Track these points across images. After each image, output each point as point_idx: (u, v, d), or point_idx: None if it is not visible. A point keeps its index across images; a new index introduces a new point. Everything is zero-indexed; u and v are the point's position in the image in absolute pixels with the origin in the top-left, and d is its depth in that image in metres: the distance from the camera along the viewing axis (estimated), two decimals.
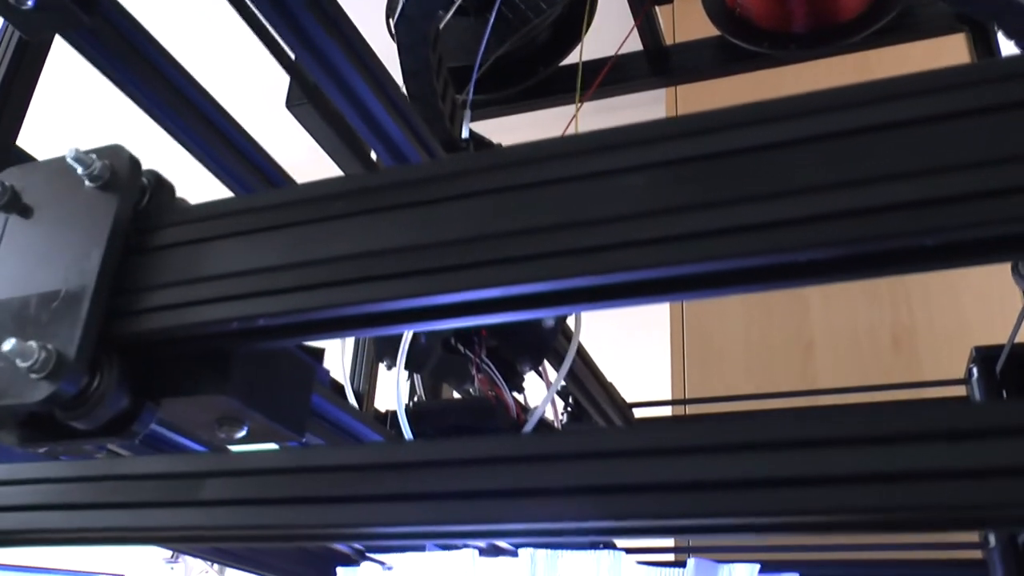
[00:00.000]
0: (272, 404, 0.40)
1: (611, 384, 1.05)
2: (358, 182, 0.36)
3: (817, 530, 0.27)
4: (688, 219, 0.30)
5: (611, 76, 1.21)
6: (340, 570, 0.66)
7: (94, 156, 0.40)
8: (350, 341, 0.63)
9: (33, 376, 0.35)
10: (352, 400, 0.63)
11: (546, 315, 0.33)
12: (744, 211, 0.29)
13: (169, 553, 2.42)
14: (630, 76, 1.25)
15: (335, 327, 0.34)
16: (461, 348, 0.63)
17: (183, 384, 0.38)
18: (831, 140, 0.30)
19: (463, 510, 0.28)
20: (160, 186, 0.42)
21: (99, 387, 0.36)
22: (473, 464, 0.28)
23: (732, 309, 1.26)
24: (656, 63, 1.24)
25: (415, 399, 0.68)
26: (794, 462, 0.25)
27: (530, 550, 0.56)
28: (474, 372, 0.63)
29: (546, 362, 0.67)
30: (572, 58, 1.20)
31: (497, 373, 0.63)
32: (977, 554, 0.86)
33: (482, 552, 0.59)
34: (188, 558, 2.38)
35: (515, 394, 0.67)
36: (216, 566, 2.33)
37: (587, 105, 1.18)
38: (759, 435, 0.26)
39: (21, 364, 0.35)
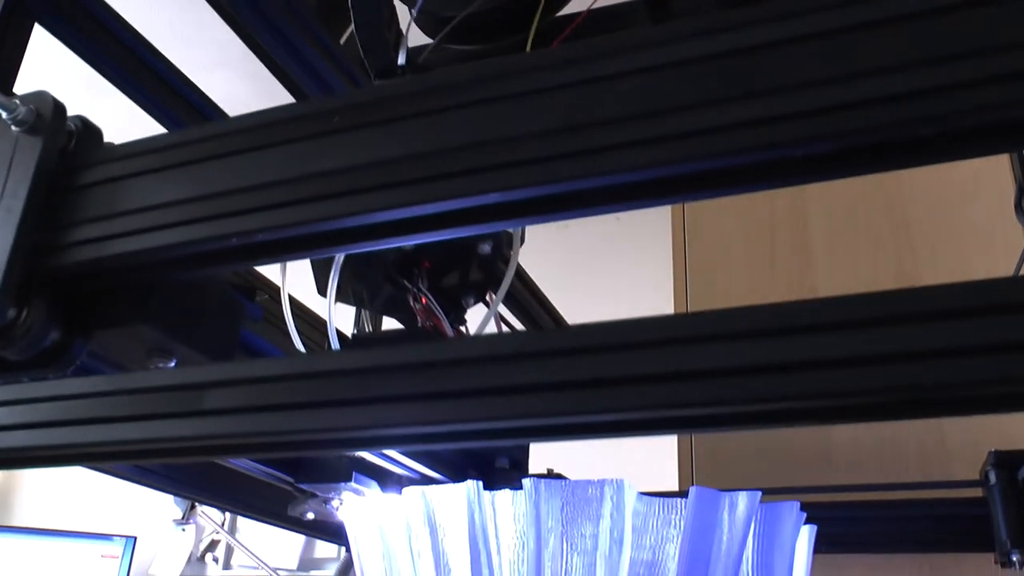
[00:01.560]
0: (197, 336, 0.41)
1: (563, 319, 1.05)
2: (317, 104, 0.36)
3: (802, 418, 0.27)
4: (682, 118, 0.30)
5: (609, 25, 1.20)
6: (346, 505, 0.67)
7: (18, 102, 0.41)
8: (288, 274, 0.63)
9: None
10: (295, 335, 0.63)
11: (543, 222, 0.33)
12: (739, 108, 0.29)
13: (180, 515, 2.45)
14: (628, 25, 1.24)
15: (261, 253, 0.35)
16: (402, 281, 0.63)
17: (109, 316, 0.39)
18: (824, 37, 0.29)
19: (465, 408, 0.28)
20: (87, 130, 0.42)
21: (27, 319, 0.37)
22: (464, 363, 0.29)
23: (735, 257, 1.26)
24: (655, 10, 1.22)
25: (356, 330, 0.69)
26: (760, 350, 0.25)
27: (531, 480, 0.56)
28: (412, 303, 0.63)
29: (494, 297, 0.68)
30: (574, 7, 1.18)
31: (436, 303, 0.63)
32: (978, 492, 0.87)
33: (487, 486, 0.60)
34: (199, 519, 2.41)
35: (461, 328, 0.68)
36: (227, 521, 2.36)
37: None
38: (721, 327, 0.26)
39: None
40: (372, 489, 0.65)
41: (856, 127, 0.28)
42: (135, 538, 2.39)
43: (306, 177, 0.34)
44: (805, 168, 0.29)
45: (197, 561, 2.44)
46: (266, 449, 0.33)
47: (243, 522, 2.39)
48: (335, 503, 0.68)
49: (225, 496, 0.86)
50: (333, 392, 0.30)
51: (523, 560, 0.57)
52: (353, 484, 0.62)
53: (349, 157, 0.34)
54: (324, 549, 2.27)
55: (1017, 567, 0.81)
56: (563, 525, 0.56)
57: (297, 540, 2.29)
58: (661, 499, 0.57)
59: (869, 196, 1.20)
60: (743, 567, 0.59)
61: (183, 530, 2.48)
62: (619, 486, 0.55)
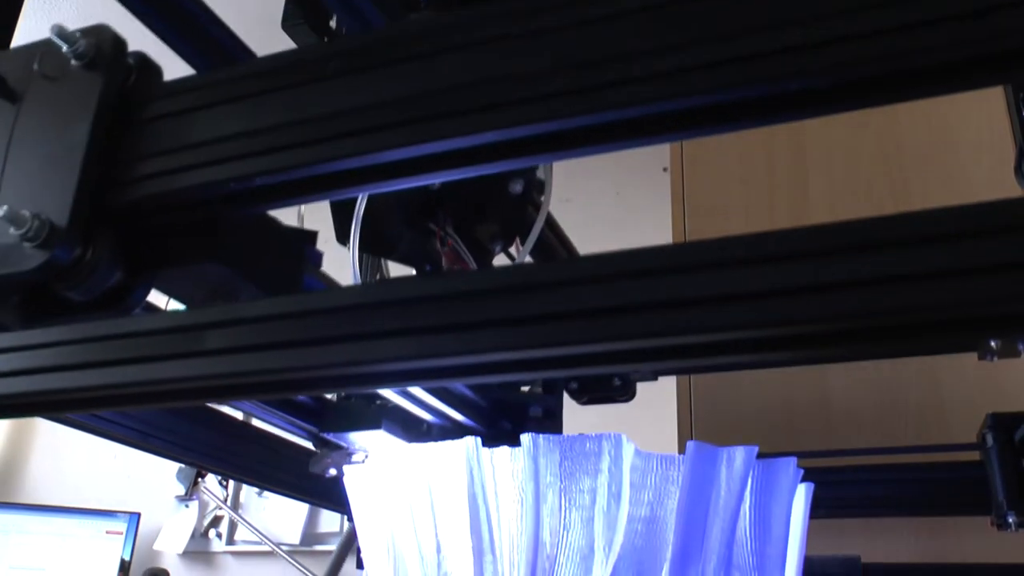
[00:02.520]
0: (263, 277, 0.41)
1: None
2: (341, 44, 0.36)
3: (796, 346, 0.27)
4: (681, 55, 0.30)
5: None
6: (347, 467, 0.67)
7: (78, 34, 0.40)
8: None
9: (27, 245, 0.36)
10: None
11: (546, 161, 0.33)
12: (735, 44, 0.29)
13: (183, 491, 2.46)
14: None
15: (325, 185, 0.35)
16: (425, 223, 0.61)
17: (175, 253, 0.39)
18: None
19: (452, 342, 0.28)
20: (146, 66, 0.42)
21: (93, 256, 0.37)
22: (463, 296, 0.29)
23: (735, 229, 1.26)
24: None
25: (378, 277, 0.67)
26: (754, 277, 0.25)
27: (529, 436, 0.57)
28: (438, 246, 0.62)
29: (520, 244, 0.66)
30: None
31: (463, 246, 0.62)
32: (975, 455, 0.88)
33: (485, 442, 0.60)
34: (202, 495, 2.43)
35: None
36: (230, 497, 2.37)
37: None
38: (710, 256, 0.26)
39: (14, 232, 0.36)
40: (400, 440, 0.63)
41: (849, 59, 0.28)
42: (139, 515, 2.41)
43: (321, 118, 0.34)
44: (800, 103, 0.29)
45: (201, 537, 2.46)
46: (269, 389, 0.33)
47: (246, 498, 2.40)
48: (359, 456, 0.66)
49: (232, 463, 0.86)
50: (336, 328, 0.30)
51: (522, 516, 0.57)
52: (382, 432, 0.60)
53: (360, 98, 0.34)
54: (326, 524, 2.29)
55: (1013, 528, 0.82)
56: (561, 480, 0.56)
57: (300, 515, 2.30)
58: (659, 455, 0.58)
59: (870, 160, 1.20)
60: (740, 522, 0.60)
61: (186, 506, 2.50)
62: (617, 441, 0.56)
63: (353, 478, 0.67)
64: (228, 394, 0.34)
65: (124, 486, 2.58)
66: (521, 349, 0.27)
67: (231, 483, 2.41)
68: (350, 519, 0.84)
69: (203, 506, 2.49)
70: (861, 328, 0.25)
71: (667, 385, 1.27)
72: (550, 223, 0.78)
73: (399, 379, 0.31)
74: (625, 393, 0.86)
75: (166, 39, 0.58)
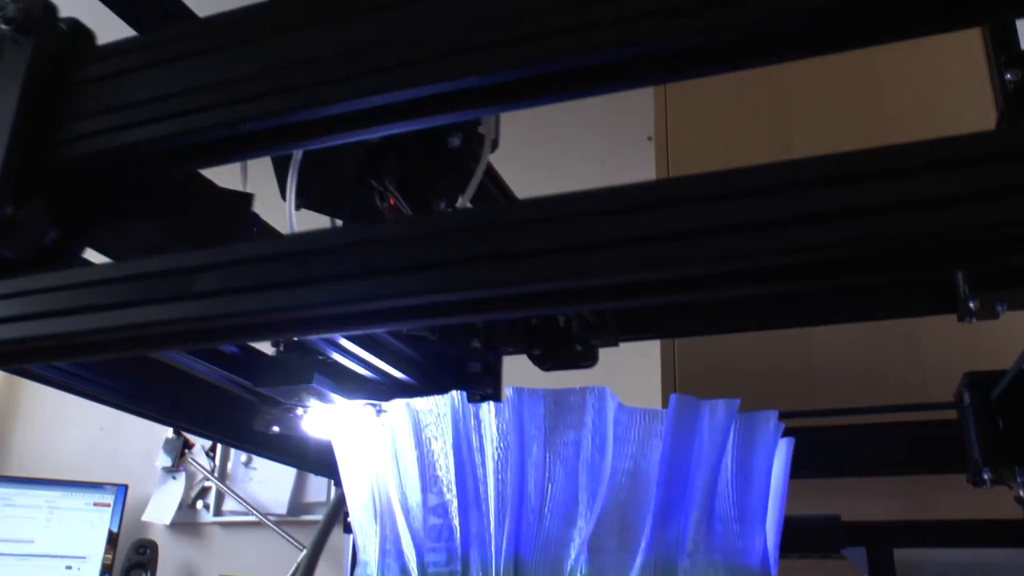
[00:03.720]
0: (197, 237, 0.41)
1: None
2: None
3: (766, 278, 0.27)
4: None
5: None
6: (334, 427, 0.68)
7: (7, 0, 0.40)
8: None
9: None
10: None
11: (522, 107, 0.33)
12: None
13: (170, 463, 2.47)
14: None
15: (260, 143, 0.35)
16: (369, 180, 0.60)
17: (110, 212, 0.40)
18: None
19: (438, 279, 0.29)
20: (79, 31, 0.42)
21: (24, 215, 0.38)
22: (452, 235, 0.29)
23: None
24: None
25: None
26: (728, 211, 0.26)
27: (513, 389, 0.57)
28: (379, 202, 0.61)
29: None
30: None
31: (404, 203, 0.61)
32: (952, 414, 0.89)
33: (470, 398, 0.61)
34: (189, 467, 2.44)
35: None
36: (217, 468, 2.38)
37: None
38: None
39: None
40: (336, 394, 0.62)
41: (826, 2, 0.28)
42: (126, 486, 2.41)
43: (256, 75, 0.34)
44: (789, 44, 0.30)
45: (188, 508, 2.47)
46: (255, 331, 0.33)
47: (232, 469, 2.41)
48: (299, 411, 0.66)
49: (210, 424, 0.86)
50: (324, 268, 0.31)
51: (507, 468, 0.58)
52: (315, 387, 0.59)
53: (295, 54, 0.34)
54: (314, 494, 2.31)
55: (988, 485, 0.84)
56: (545, 433, 0.57)
57: (287, 486, 2.32)
58: (643, 409, 0.59)
59: (854, 129, 1.21)
60: (723, 474, 0.61)
61: (174, 478, 2.50)
62: (600, 394, 0.56)
63: (340, 435, 0.67)
64: (217, 336, 0.35)
65: (111, 458, 2.58)
66: (518, 284, 0.28)
67: (218, 454, 2.42)
68: (337, 484, 0.84)
69: (190, 477, 2.49)
70: (827, 260, 0.26)
71: (652, 361, 1.27)
72: (493, 178, 0.76)
73: (392, 319, 0.31)
74: (587, 359, 0.87)
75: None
